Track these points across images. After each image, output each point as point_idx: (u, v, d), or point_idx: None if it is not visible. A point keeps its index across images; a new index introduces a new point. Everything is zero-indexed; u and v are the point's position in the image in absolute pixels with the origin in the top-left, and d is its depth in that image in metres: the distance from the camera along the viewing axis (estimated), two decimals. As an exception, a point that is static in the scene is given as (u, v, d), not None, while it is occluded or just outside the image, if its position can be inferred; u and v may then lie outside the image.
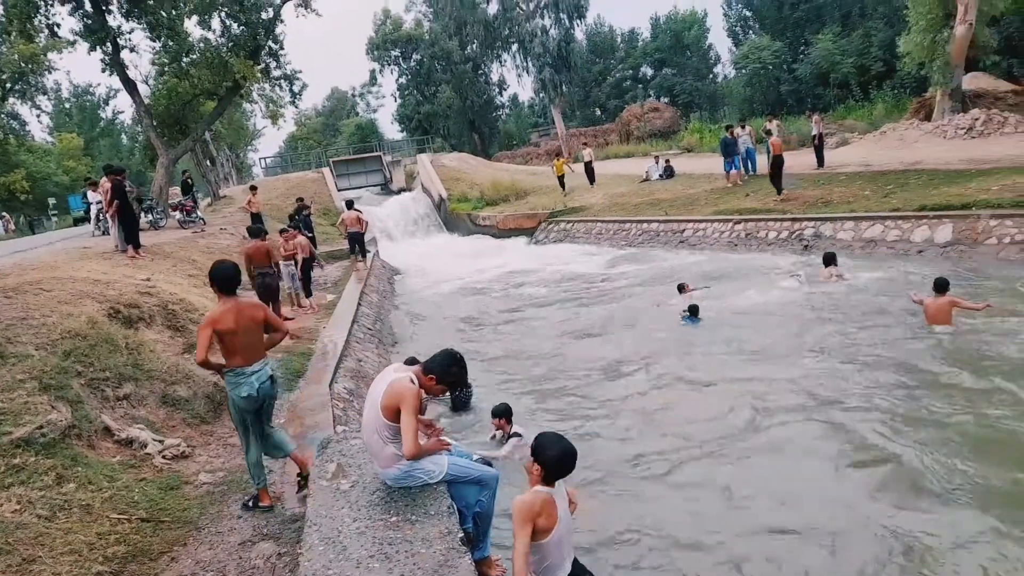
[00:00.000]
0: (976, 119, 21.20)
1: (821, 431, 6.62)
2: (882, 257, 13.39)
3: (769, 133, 19.73)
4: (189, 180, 23.00)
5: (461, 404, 8.41)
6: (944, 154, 18.30)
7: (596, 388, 8.82)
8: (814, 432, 6.62)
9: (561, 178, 27.87)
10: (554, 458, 3.44)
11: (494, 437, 7.13)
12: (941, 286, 8.87)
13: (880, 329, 9.27)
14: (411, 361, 5.05)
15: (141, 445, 6.05)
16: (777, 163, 18.12)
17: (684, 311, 10.87)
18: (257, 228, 12.10)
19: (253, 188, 20.61)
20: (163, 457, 6.00)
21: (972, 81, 24.10)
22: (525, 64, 51.18)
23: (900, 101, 30.11)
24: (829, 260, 12.13)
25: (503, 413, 6.98)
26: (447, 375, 4.13)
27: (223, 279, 4.88)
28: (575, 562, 3.69)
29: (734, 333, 10.05)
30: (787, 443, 6.48)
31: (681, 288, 12.53)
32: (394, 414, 3.95)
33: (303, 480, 5.20)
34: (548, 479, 3.46)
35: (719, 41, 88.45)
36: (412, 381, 4.01)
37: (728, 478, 5.94)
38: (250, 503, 5.14)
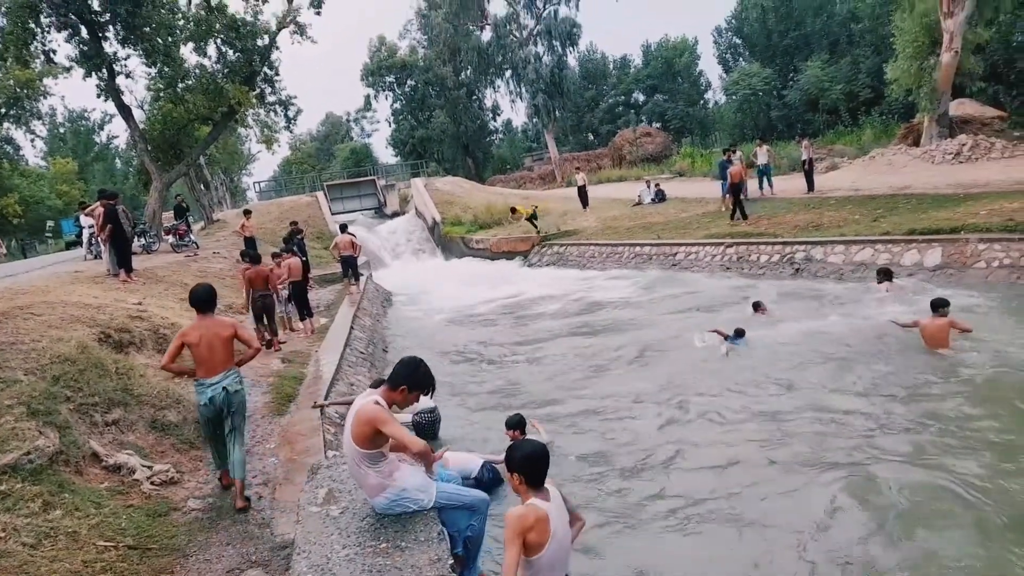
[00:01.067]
0: (963, 144, 21.46)
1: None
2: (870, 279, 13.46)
3: (730, 163, 20.24)
4: (183, 204, 23.04)
5: (425, 430, 7.89)
6: (932, 179, 18.50)
7: (620, 424, 8.27)
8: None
9: (531, 218, 25.92)
10: (522, 457, 3.44)
11: None
12: (939, 305, 8.66)
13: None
14: (376, 383, 5.07)
15: (129, 471, 5.98)
16: (736, 190, 18.90)
17: (729, 334, 10.28)
18: (255, 255, 12.13)
19: (247, 212, 20.58)
20: (151, 483, 5.94)
21: (959, 107, 24.45)
22: (519, 90, 51.72)
23: (888, 127, 30.50)
24: (885, 275, 11.45)
25: (517, 424, 6.93)
26: (417, 379, 4.12)
27: (197, 300, 5.70)
28: None
29: (781, 361, 9.44)
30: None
31: (757, 307, 11.75)
32: (367, 441, 3.96)
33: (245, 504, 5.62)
34: (530, 482, 3.43)
35: (710, 68, 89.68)
36: (377, 403, 4.01)
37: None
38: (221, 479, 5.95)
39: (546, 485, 3.53)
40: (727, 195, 21.35)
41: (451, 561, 3.63)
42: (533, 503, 3.41)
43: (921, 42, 22.37)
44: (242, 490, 5.61)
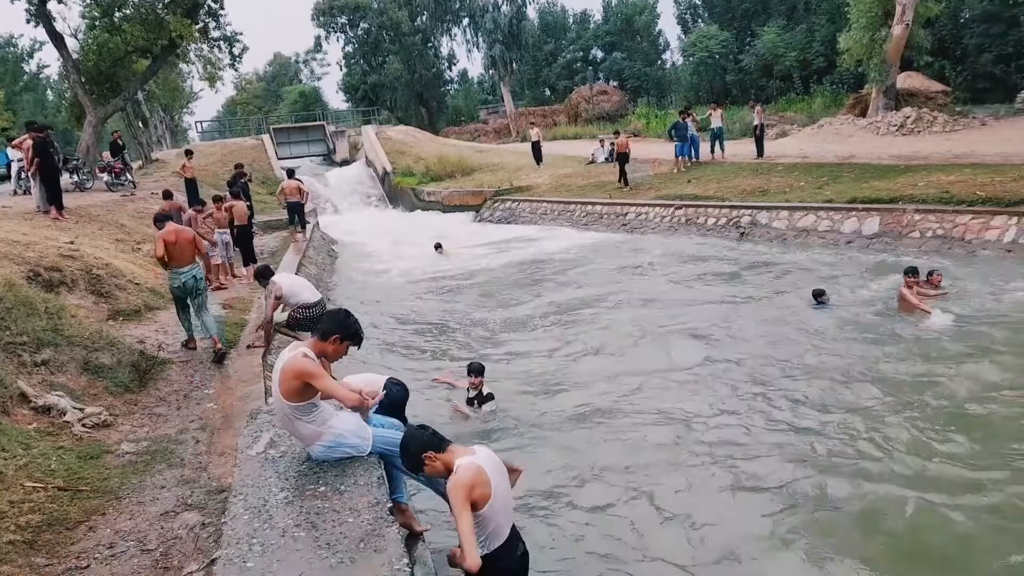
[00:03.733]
0: (908, 117, 22.06)
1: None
2: (816, 246, 13.87)
3: (686, 125, 21.45)
4: (119, 141, 21.95)
5: (305, 326, 7.46)
6: (876, 149, 19.00)
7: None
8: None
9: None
10: (422, 444, 3.50)
11: (468, 391, 7.28)
12: (906, 272, 9.00)
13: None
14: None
15: (60, 413, 5.81)
16: (622, 159, 20.87)
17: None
18: (165, 211, 9.63)
19: (188, 152, 19.71)
20: (83, 425, 5.79)
21: (906, 80, 25.04)
22: (476, 39, 50.73)
23: (838, 96, 31.07)
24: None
25: (480, 371, 7.13)
26: (348, 327, 4.06)
27: (160, 218, 8.24)
28: (512, 528, 3.68)
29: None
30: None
31: (912, 272, 9.24)
32: (296, 394, 3.88)
33: (217, 355, 7.83)
34: (442, 448, 3.50)
35: (669, 28, 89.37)
36: (306, 355, 3.92)
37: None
38: (187, 343, 8.09)
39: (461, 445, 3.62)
40: (680, 156, 21.55)
41: (390, 505, 3.64)
42: (461, 462, 3.43)
43: (874, 13, 22.68)
44: (218, 342, 7.91)
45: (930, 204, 13.02)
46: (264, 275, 7.99)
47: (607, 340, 9.52)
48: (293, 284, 7.86)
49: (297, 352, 3.94)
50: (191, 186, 17.27)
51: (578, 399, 7.59)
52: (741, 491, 5.53)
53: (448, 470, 3.44)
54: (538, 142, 28.37)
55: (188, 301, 7.95)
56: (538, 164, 27.75)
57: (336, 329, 4.03)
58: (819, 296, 9.76)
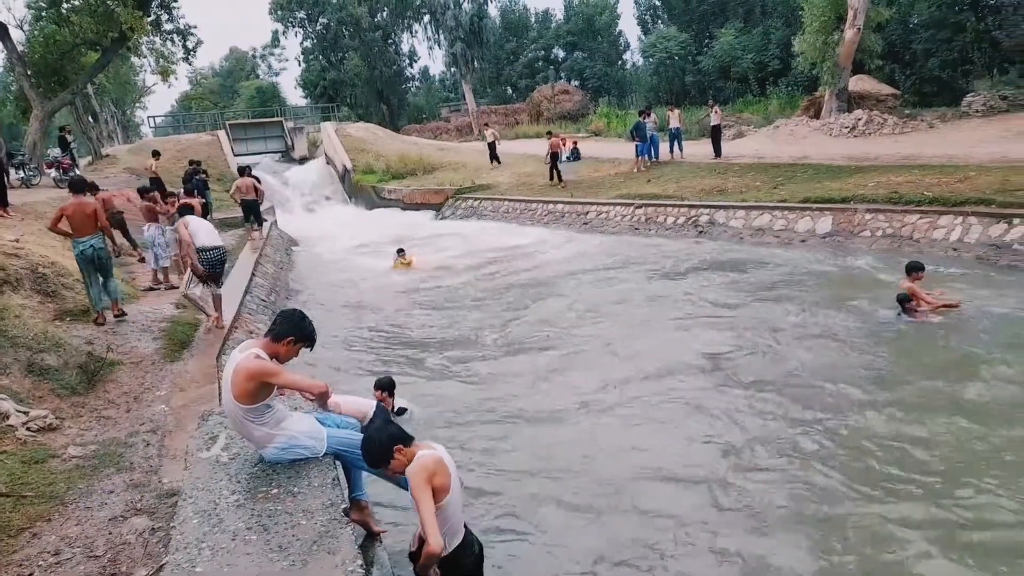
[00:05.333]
0: (859, 119, 22.63)
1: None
2: (769, 245, 14.15)
3: (646, 125, 21.75)
4: (68, 135, 21.30)
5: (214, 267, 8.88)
6: (829, 150, 19.46)
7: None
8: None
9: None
10: (387, 439, 3.53)
11: None
12: (910, 269, 8.58)
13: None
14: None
15: (3, 416, 5.61)
16: (554, 158, 22.34)
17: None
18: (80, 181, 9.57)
19: (156, 153, 19.58)
20: (28, 429, 5.60)
21: (857, 83, 25.66)
22: (437, 37, 50.47)
23: (793, 98, 31.68)
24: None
25: (387, 386, 6.53)
26: (302, 329, 4.01)
27: (74, 185, 8.86)
28: (466, 526, 3.74)
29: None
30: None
31: (918, 268, 8.70)
32: (250, 396, 3.81)
33: (118, 316, 8.79)
34: (407, 444, 3.55)
35: (629, 28, 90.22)
36: (258, 356, 3.85)
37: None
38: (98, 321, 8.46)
39: (426, 442, 3.67)
40: (640, 156, 21.77)
41: (345, 505, 3.61)
42: (424, 452, 3.50)
43: (827, 17, 23.21)
44: (117, 304, 8.78)
45: (880, 204, 13.37)
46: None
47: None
48: (199, 228, 8.91)
49: (249, 353, 3.87)
50: (157, 184, 16.88)
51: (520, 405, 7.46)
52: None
53: (409, 460, 3.51)
54: (494, 143, 28.32)
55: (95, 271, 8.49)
56: (492, 163, 27.70)
57: (290, 331, 3.96)
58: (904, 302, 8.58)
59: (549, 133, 25.38)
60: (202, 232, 8.80)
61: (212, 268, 8.78)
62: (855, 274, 11.38)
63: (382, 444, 3.52)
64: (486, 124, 30.38)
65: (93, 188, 12.01)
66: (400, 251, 15.69)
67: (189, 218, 9.01)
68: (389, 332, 10.97)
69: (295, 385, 3.95)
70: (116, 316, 8.69)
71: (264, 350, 3.91)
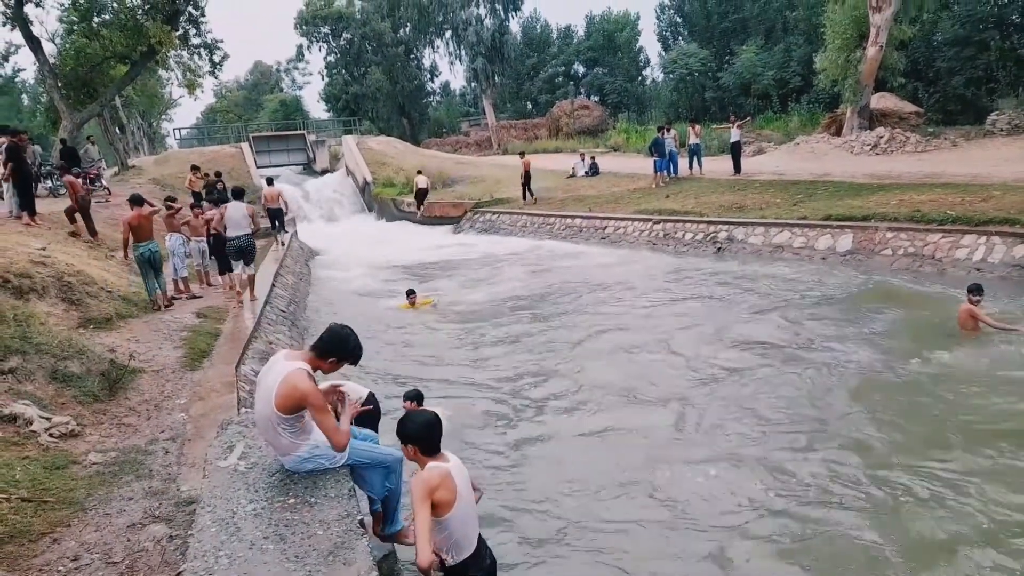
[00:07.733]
0: (881, 137, 22.47)
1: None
2: (792, 262, 14.03)
3: (665, 140, 21.78)
4: (90, 145, 21.70)
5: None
6: (850, 168, 19.32)
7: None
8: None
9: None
10: (416, 427, 3.57)
11: None
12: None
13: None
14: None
15: (26, 422, 5.69)
16: (527, 177, 23.06)
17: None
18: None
19: (195, 168, 20.28)
20: (50, 435, 5.67)
21: (880, 101, 25.52)
22: (458, 52, 50.86)
23: (814, 115, 31.55)
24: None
25: (416, 397, 6.55)
26: (347, 348, 3.99)
27: (134, 200, 10.33)
28: (480, 539, 3.73)
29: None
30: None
31: (978, 290, 8.47)
32: (291, 409, 3.82)
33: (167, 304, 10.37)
34: (425, 451, 3.56)
35: (650, 45, 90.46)
36: (309, 374, 3.84)
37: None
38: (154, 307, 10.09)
39: (443, 452, 3.66)
40: (658, 172, 21.78)
41: (361, 517, 3.62)
42: (432, 464, 3.52)
43: (850, 35, 23.15)
44: (164, 295, 10.38)
45: (902, 222, 13.24)
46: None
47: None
48: (229, 219, 10.79)
49: (299, 368, 3.83)
50: (197, 199, 17.23)
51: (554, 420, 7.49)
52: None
53: (421, 465, 3.57)
54: (528, 172, 23.94)
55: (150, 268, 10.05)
56: (527, 199, 24.14)
57: (336, 351, 3.96)
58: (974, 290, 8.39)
59: (522, 153, 25.59)
60: (231, 224, 10.79)
61: (238, 252, 10.82)
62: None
63: (404, 432, 3.61)
64: (522, 153, 26.67)
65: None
66: (410, 292, 13.25)
67: (228, 205, 11.03)
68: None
69: (324, 426, 3.86)
70: (165, 305, 10.26)
71: (309, 364, 3.90)
